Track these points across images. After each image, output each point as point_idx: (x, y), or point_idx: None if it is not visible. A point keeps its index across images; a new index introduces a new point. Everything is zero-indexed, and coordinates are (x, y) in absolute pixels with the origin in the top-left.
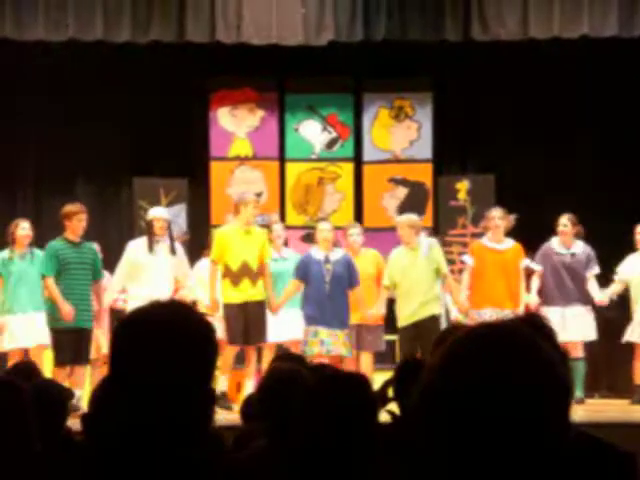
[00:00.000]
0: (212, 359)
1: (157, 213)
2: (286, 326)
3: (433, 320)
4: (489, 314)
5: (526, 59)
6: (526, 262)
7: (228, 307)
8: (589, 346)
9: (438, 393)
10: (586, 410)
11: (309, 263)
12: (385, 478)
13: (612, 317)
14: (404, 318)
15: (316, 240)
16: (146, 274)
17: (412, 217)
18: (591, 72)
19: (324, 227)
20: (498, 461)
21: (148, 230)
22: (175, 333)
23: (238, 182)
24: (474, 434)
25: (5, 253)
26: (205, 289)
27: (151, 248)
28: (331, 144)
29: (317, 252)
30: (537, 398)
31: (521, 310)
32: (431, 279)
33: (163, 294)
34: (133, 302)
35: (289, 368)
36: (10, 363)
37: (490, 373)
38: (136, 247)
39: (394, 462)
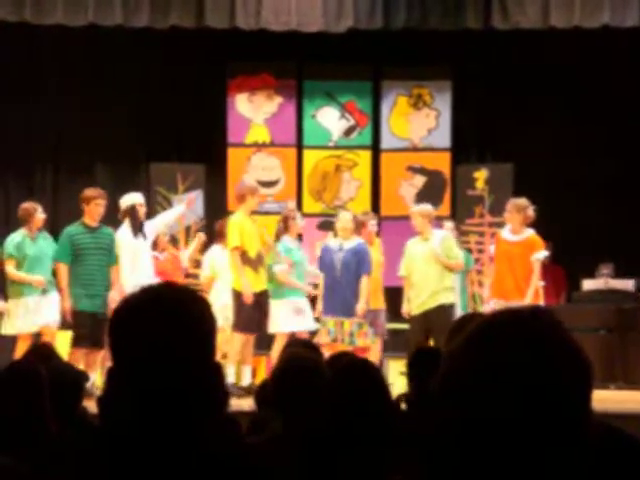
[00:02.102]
0: (210, 333)
1: (139, 199)
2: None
3: (442, 310)
4: (492, 306)
5: (547, 48)
6: (541, 255)
7: (248, 295)
8: (604, 337)
9: (461, 378)
10: (601, 401)
11: (325, 252)
12: (401, 465)
13: (628, 308)
14: (414, 307)
15: (335, 228)
16: (141, 260)
17: (425, 207)
18: (611, 63)
19: (345, 217)
20: (522, 446)
21: (132, 216)
22: (170, 311)
23: (255, 169)
24: (496, 420)
25: (18, 236)
26: (220, 276)
27: (136, 234)
28: (349, 131)
29: (333, 241)
30: (561, 384)
31: (527, 302)
32: (442, 269)
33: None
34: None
35: (305, 355)
36: (20, 345)
37: (512, 358)
38: (128, 236)
39: (410, 449)
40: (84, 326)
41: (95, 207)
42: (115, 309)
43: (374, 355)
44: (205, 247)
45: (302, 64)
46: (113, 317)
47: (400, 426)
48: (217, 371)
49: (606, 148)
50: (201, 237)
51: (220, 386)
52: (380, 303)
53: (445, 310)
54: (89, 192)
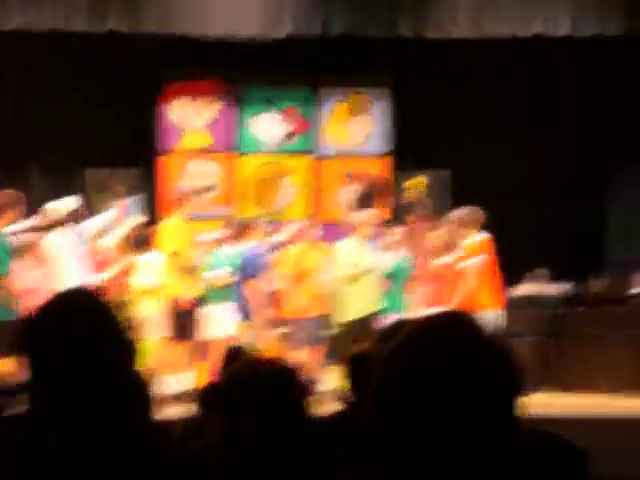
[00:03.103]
0: (125, 340)
1: (75, 204)
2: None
3: (374, 316)
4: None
5: (483, 57)
6: (469, 261)
7: (182, 302)
8: (538, 341)
9: (393, 382)
10: (535, 405)
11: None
12: (338, 468)
13: (561, 313)
14: (352, 313)
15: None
16: (81, 264)
17: (364, 214)
18: (545, 71)
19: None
20: (449, 450)
21: (75, 221)
22: (83, 318)
23: (191, 175)
24: (427, 422)
25: None
26: (148, 281)
27: (77, 238)
28: (288, 137)
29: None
30: (490, 387)
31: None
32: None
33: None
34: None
35: (249, 361)
36: None
37: (444, 363)
38: (61, 240)
39: (348, 453)
40: None
41: None
42: (30, 316)
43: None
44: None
45: (241, 70)
46: (28, 324)
47: (339, 429)
48: (137, 378)
49: (542, 155)
50: (131, 261)
51: (141, 393)
52: (315, 311)
53: (375, 316)
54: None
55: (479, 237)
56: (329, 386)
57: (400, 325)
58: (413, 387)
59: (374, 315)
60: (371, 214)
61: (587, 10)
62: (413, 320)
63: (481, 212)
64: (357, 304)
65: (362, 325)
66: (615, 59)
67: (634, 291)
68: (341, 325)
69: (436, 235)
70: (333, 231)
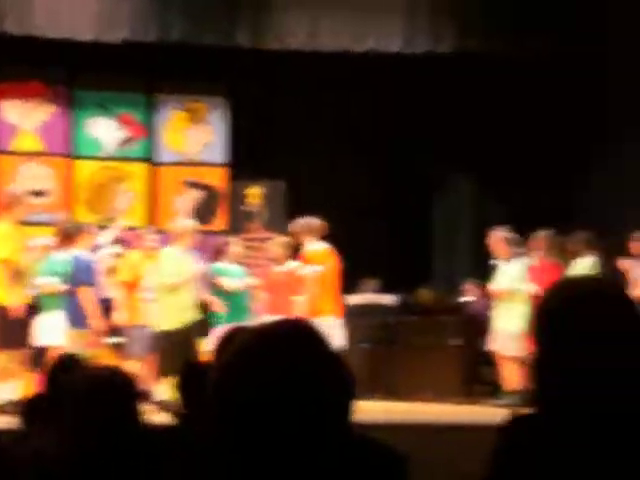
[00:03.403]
0: None
1: None
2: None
3: (199, 324)
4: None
5: (318, 69)
6: (309, 269)
7: (12, 309)
8: (369, 349)
9: (230, 388)
10: (364, 412)
11: None
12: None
13: (391, 322)
14: (172, 322)
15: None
16: None
17: (187, 222)
18: (379, 86)
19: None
20: (282, 453)
21: None
22: None
23: (24, 178)
24: (264, 426)
25: None
26: None
27: None
28: (124, 143)
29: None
30: (320, 393)
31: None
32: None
33: None
34: None
35: (84, 370)
36: None
37: (280, 370)
38: None
39: (181, 462)
40: None
41: None
42: None
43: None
44: None
45: (74, 73)
46: None
47: (170, 440)
48: None
49: (373, 168)
50: None
51: None
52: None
53: (201, 324)
54: None
55: (319, 246)
56: (162, 397)
57: (237, 333)
58: (250, 393)
59: (197, 324)
60: (193, 223)
61: (419, 28)
62: (251, 328)
63: (322, 222)
64: (178, 313)
65: (185, 335)
66: (446, 76)
67: (460, 301)
68: (163, 334)
69: (276, 243)
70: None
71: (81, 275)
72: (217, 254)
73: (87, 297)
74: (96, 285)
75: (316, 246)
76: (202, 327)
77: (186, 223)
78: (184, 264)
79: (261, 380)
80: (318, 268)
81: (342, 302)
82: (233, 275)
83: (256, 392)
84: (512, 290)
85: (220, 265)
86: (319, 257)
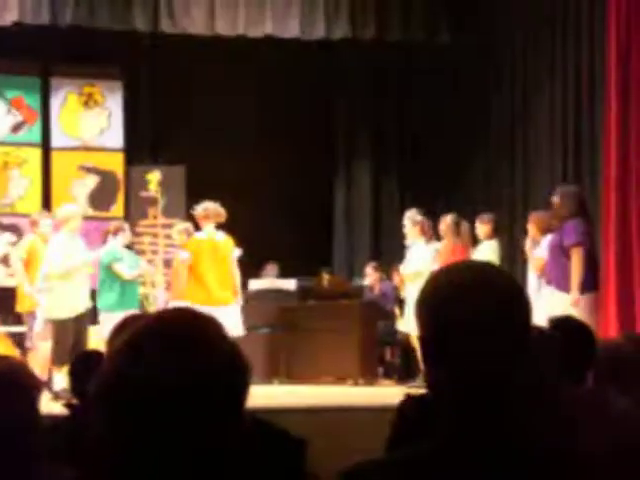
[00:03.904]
0: None
1: None
2: None
3: (91, 312)
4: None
5: (216, 53)
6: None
7: None
8: (269, 334)
9: (122, 377)
10: (264, 397)
11: None
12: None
13: (290, 307)
14: (65, 309)
15: None
16: None
17: (70, 207)
18: (276, 71)
19: None
20: (174, 443)
21: None
22: None
23: None
24: (157, 416)
25: None
26: None
27: None
28: (16, 128)
29: None
30: (214, 383)
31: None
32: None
33: None
34: None
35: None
36: None
37: (173, 357)
38: None
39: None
40: None
41: None
42: None
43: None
44: None
45: None
46: None
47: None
48: None
49: (275, 151)
50: None
51: None
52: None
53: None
54: None
55: (200, 233)
56: (58, 386)
57: (131, 320)
58: (141, 381)
59: (89, 312)
60: (78, 208)
61: (316, 14)
62: (145, 315)
63: (217, 208)
64: (70, 302)
65: (77, 323)
66: (341, 62)
67: (360, 284)
68: (56, 322)
69: (177, 230)
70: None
71: None
72: (107, 238)
73: None
74: None
75: (199, 233)
76: (93, 315)
77: (71, 208)
78: (71, 251)
79: (152, 368)
80: (185, 254)
81: (234, 289)
82: (127, 261)
83: (147, 380)
84: (420, 272)
85: (114, 251)
86: (192, 244)
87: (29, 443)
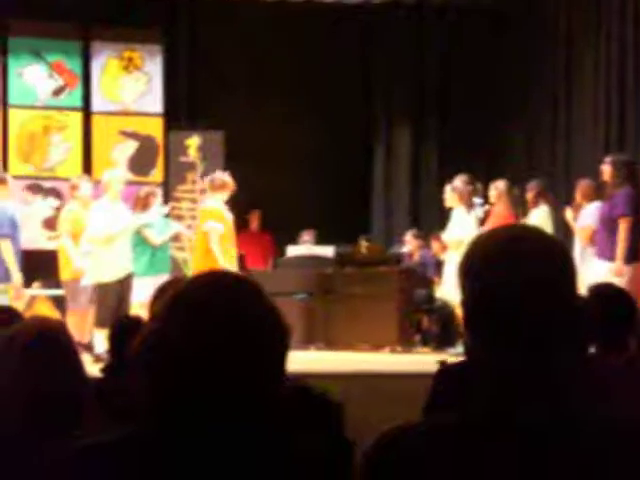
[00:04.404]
0: None
1: None
2: None
3: (130, 277)
4: None
5: (257, 16)
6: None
7: None
8: (306, 300)
9: (166, 337)
10: (301, 362)
11: None
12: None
13: (328, 273)
14: (108, 275)
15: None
16: None
17: (115, 173)
18: (317, 35)
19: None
20: (217, 400)
21: None
22: None
23: None
24: (198, 374)
25: None
26: None
27: None
28: (58, 92)
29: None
30: (258, 342)
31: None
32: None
33: None
34: None
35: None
36: None
37: (215, 318)
38: None
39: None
40: None
41: None
42: None
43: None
44: None
45: (7, 20)
46: None
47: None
48: None
49: (310, 121)
50: None
51: None
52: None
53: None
54: None
55: (212, 204)
56: (98, 349)
57: (172, 283)
58: (188, 342)
59: (130, 277)
60: (122, 173)
61: None
62: (187, 279)
63: (223, 179)
64: (113, 266)
65: (119, 287)
66: (380, 27)
67: (399, 252)
68: (98, 286)
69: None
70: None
71: (3, 227)
72: (141, 205)
73: (10, 249)
74: (16, 238)
75: (211, 203)
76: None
77: (114, 173)
78: (114, 216)
79: (199, 329)
80: (213, 225)
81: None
82: (157, 227)
83: (194, 341)
84: (462, 239)
85: (145, 217)
86: (209, 214)
87: (77, 400)
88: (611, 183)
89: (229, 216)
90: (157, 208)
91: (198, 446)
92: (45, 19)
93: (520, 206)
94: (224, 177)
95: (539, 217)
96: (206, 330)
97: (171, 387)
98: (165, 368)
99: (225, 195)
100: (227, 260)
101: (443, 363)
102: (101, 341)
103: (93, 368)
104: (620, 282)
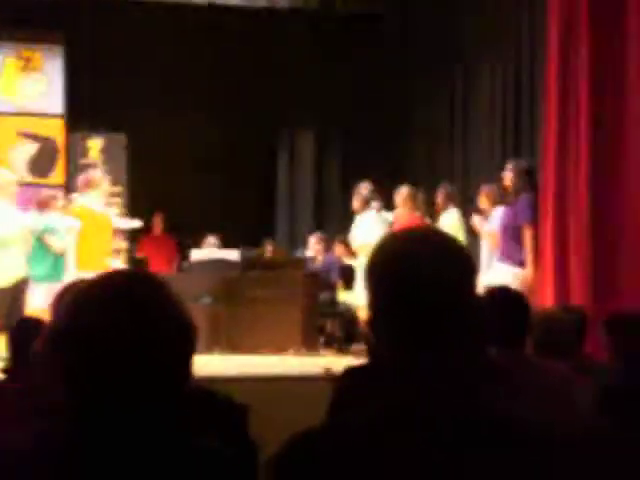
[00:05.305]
0: None
1: None
2: None
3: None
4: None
5: (158, 20)
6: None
7: None
8: (211, 304)
9: (70, 334)
10: (205, 366)
11: None
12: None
13: (233, 277)
14: (6, 278)
15: None
16: None
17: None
18: (218, 39)
19: None
20: (124, 403)
21: None
22: None
23: None
24: (105, 371)
25: None
26: None
27: None
28: None
29: None
30: (165, 339)
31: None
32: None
33: None
34: None
35: None
36: None
37: (121, 315)
38: None
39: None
40: None
41: None
42: None
43: None
44: None
45: None
46: None
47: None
48: None
49: (214, 124)
50: None
51: None
52: None
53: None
54: None
55: (82, 202)
56: None
57: (75, 285)
58: (93, 339)
59: (24, 281)
60: (12, 175)
61: None
62: (91, 279)
63: (95, 177)
64: (5, 270)
65: (14, 292)
66: (284, 32)
67: (303, 255)
68: None
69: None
70: None
71: None
72: (41, 207)
73: None
74: None
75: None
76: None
77: (5, 175)
78: (8, 219)
79: (105, 325)
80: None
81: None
82: (59, 231)
83: (101, 338)
84: (369, 243)
85: (46, 221)
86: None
87: None
88: (512, 189)
89: (102, 211)
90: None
91: (101, 443)
92: None
93: (426, 210)
94: (93, 175)
95: (450, 219)
96: (112, 327)
97: (76, 385)
98: (71, 366)
99: (95, 193)
100: (98, 256)
101: (328, 370)
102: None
103: None
104: (519, 286)
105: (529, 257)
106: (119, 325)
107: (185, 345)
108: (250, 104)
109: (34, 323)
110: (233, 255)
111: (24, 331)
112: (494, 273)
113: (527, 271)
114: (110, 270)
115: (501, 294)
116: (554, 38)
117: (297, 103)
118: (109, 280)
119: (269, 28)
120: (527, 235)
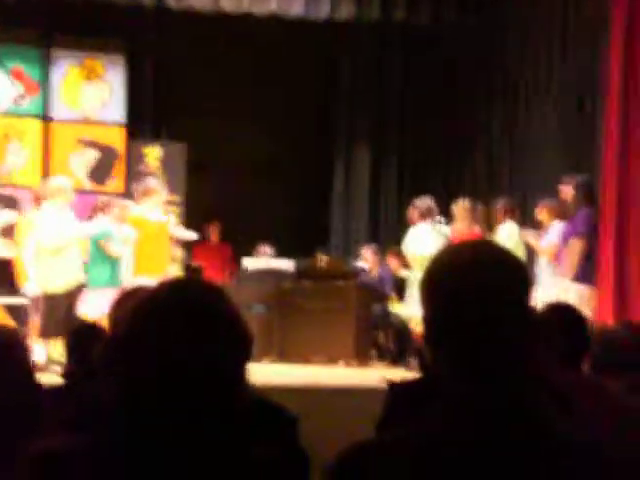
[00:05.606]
0: None
1: None
2: None
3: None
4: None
5: (222, 32)
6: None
7: None
8: (264, 313)
9: (132, 342)
10: (256, 374)
11: None
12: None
13: (286, 287)
14: (57, 285)
15: None
16: None
17: (59, 181)
18: (278, 48)
19: None
20: (181, 403)
21: None
22: None
23: None
24: (164, 379)
25: None
26: None
27: None
28: (18, 99)
29: None
30: (218, 352)
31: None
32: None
33: None
34: None
35: None
36: None
37: (181, 324)
38: None
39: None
40: None
41: None
42: None
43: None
44: None
45: None
46: None
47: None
48: None
49: (272, 135)
50: None
51: None
52: None
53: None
54: None
55: (136, 211)
56: (43, 358)
57: (133, 292)
58: (153, 347)
59: (80, 287)
60: (67, 182)
61: None
62: (149, 286)
63: (150, 186)
64: (62, 276)
65: (68, 298)
66: (345, 43)
67: (356, 266)
68: (45, 296)
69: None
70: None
71: None
72: (97, 213)
73: None
74: None
75: (136, 210)
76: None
77: (61, 181)
78: (63, 225)
79: (165, 334)
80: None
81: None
82: (115, 238)
83: (161, 346)
84: (425, 256)
85: (103, 226)
86: (133, 221)
87: (33, 408)
88: (572, 203)
89: (158, 219)
90: (111, 216)
91: (160, 450)
92: (5, 24)
93: (485, 223)
94: (150, 184)
95: (508, 233)
96: (172, 336)
97: (138, 392)
98: (133, 373)
99: (152, 201)
100: (154, 263)
101: (390, 382)
102: (40, 350)
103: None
104: (576, 300)
105: (571, 265)
106: (179, 334)
107: (243, 353)
108: (308, 114)
109: (93, 329)
110: (287, 265)
111: (83, 337)
112: (554, 289)
113: (587, 287)
114: (168, 277)
115: (562, 311)
116: (615, 55)
117: (354, 113)
118: (169, 289)
119: (329, 39)
120: (575, 246)
